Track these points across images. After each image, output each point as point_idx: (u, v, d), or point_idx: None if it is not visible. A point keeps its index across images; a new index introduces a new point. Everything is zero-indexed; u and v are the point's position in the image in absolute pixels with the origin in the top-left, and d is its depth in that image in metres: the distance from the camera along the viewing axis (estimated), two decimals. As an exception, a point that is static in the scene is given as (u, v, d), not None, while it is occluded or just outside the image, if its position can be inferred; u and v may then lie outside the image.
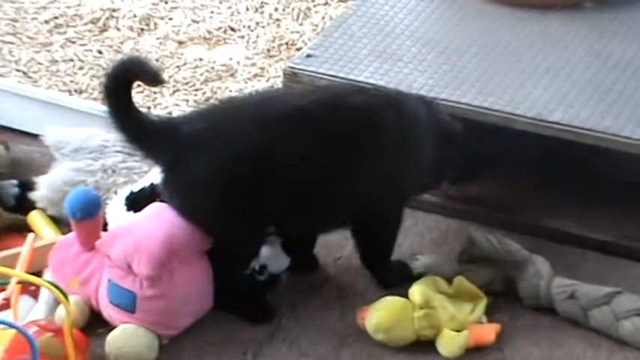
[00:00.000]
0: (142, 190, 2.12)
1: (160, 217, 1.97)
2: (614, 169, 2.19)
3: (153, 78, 1.90)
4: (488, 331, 1.96)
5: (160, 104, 2.45)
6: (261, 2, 2.76)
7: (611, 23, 2.35)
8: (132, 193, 2.12)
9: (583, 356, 1.93)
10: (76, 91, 2.48)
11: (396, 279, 2.04)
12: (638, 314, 1.93)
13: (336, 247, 2.16)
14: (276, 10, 2.73)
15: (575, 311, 1.97)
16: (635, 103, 2.13)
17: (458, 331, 1.95)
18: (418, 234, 2.18)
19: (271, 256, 2.03)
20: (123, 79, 1.87)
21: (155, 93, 2.48)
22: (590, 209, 2.18)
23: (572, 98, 2.15)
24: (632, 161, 2.09)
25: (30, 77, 2.52)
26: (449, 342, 1.94)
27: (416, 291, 1.96)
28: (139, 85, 2.48)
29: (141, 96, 2.47)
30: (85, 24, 2.70)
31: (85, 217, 1.97)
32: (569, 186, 2.22)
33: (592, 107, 2.13)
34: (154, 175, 2.17)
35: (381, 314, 1.95)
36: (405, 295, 1.97)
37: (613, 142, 2.07)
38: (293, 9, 2.72)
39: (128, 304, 1.93)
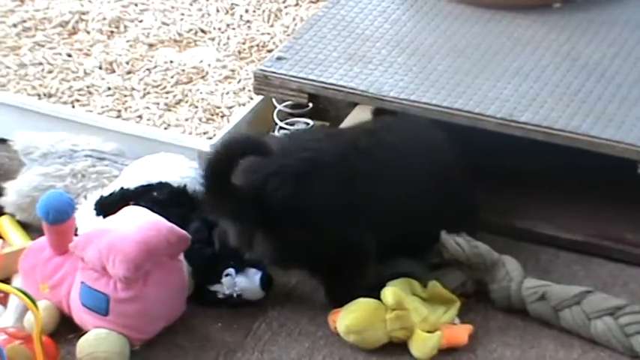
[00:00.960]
0: (111, 194, 2.11)
1: (135, 219, 1.97)
2: (585, 169, 2.20)
3: (265, 153, 1.90)
4: (461, 333, 1.97)
5: (131, 107, 2.44)
6: (232, 4, 2.75)
7: (580, 24, 2.36)
8: (102, 197, 2.11)
9: (555, 356, 1.94)
10: (45, 95, 2.47)
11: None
12: (610, 313, 1.93)
13: (308, 249, 2.16)
14: (246, 11, 2.72)
15: (547, 312, 1.97)
16: (603, 103, 2.14)
17: (430, 332, 1.95)
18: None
19: (248, 288, 2.02)
20: (230, 160, 1.88)
21: (125, 96, 2.47)
22: (561, 209, 2.19)
23: (542, 99, 2.16)
24: (601, 160, 2.10)
25: (-2, 81, 2.51)
26: (421, 343, 1.94)
27: (388, 293, 1.96)
28: (109, 89, 2.49)
29: (111, 99, 2.45)
30: (54, 27, 2.68)
31: (58, 219, 1.96)
32: (540, 186, 2.23)
33: (561, 108, 2.14)
34: (123, 180, 2.16)
35: (353, 316, 1.95)
36: (378, 297, 1.97)
37: (582, 142, 2.08)
38: (264, 10, 2.72)
39: (101, 306, 1.92)
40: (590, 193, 2.21)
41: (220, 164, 1.90)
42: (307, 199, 1.92)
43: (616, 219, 2.16)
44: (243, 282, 2.02)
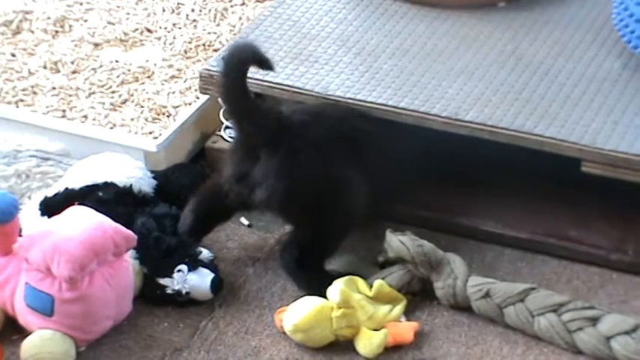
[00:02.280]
0: (56, 194, 2.10)
1: (80, 220, 1.96)
2: (528, 166, 2.22)
3: (266, 65, 2.03)
4: (407, 330, 1.98)
5: (76, 107, 2.42)
6: (178, 3, 2.74)
7: (524, 23, 2.38)
8: (46, 198, 2.10)
9: (499, 353, 1.96)
10: (-12, 95, 2.45)
11: (320, 290, 2.01)
12: (553, 310, 1.95)
13: (254, 248, 2.16)
14: (192, 11, 2.71)
15: (491, 309, 1.99)
16: (547, 102, 2.16)
17: (376, 330, 1.96)
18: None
19: (197, 288, 2.02)
20: (240, 65, 1.98)
21: (70, 96, 2.45)
22: (506, 207, 2.21)
23: (487, 98, 2.18)
24: (545, 158, 2.12)
25: (-59, 81, 2.48)
26: (367, 341, 1.95)
27: (334, 291, 1.96)
28: (54, 88, 2.47)
29: (56, 99, 2.44)
30: (-2, 26, 2.66)
31: (2, 220, 1.95)
32: (485, 184, 2.24)
33: (506, 106, 2.15)
34: (68, 180, 2.15)
35: (300, 314, 1.95)
36: (324, 296, 1.98)
37: (526, 140, 2.10)
38: (210, 10, 2.71)
39: (46, 307, 1.91)
40: (534, 191, 2.23)
41: (236, 66, 1.98)
42: (320, 131, 2.03)
43: (560, 216, 2.18)
44: (193, 280, 2.02)
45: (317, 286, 2.01)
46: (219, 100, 2.33)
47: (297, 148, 1.99)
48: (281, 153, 1.98)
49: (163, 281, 2.02)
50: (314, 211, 2.01)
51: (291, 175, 1.98)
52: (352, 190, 2.04)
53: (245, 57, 1.99)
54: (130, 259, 2.01)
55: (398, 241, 2.03)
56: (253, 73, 2.24)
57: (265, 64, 2.03)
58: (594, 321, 1.93)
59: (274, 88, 2.23)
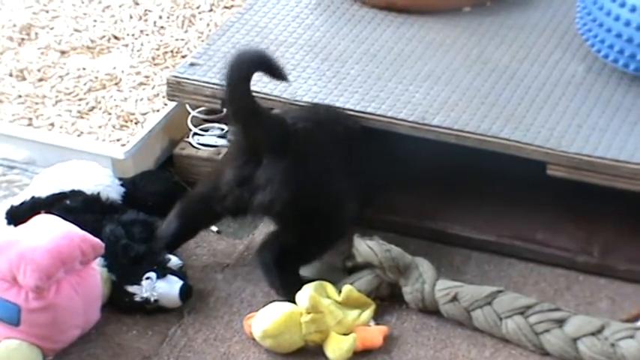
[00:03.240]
0: (22, 203, 2.10)
1: (46, 228, 1.95)
2: (496, 171, 2.23)
3: (279, 76, 2.05)
4: (376, 334, 1.98)
5: (43, 115, 2.41)
6: (145, 10, 2.73)
7: (489, 28, 2.39)
8: (12, 207, 2.09)
9: (467, 356, 1.97)
10: (-46, 103, 2.44)
11: (292, 293, 2.01)
12: (520, 313, 1.97)
13: (223, 255, 2.16)
14: (160, 17, 2.71)
15: (459, 313, 2.00)
16: (512, 106, 2.18)
17: (346, 335, 1.97)
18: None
19: (166, 295, 2.02)
20: (245, 71, 2.00)
21: (37, 104, 2.45)
22: (473, 211, 2.22)
23: (453, 102, 2.19)
24: (511, 161, 2.13)
25: None
26: (336, 346, 1.95)
27: (304, 296, 1.97)
28: (20, 96, 2.46)
29: (22, 107, 2.43)
30: (-37, 34, 2.65)
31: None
32: (453, 188, 2.26)
33: (472, 110, 2.17)
34: (35, 188, 2.14)
35: (269, 320, 1.95)
36: (294, 299, 1.98)
37: (492, 144, 2.11)
38: (177, 16, 2.71)
39: (12, 317, 1.90)
40: (501, 195, 2.24)
41: (242, 73, 1.99)
42: (323, 141, 2.07)
43: (527, 219, 2.20)
44: (162, 288, 2.02)
45: (290, 288, 2.01)
46: (187, 106, 2.34)
47: (304, 155, 2.01)
48: (287, 159, 2.00)
49: (132, 289, 2.02)
50: (310, 218, 2.03)
51: (295, 182, 2.00)
52: (346, 202, 2.06)
53: (251, 62, 2.00)
54: (97, 267, 2.01)
55: (366, 246, 2.04)
56: (221, 79, 2.25)
57: (276, 72, 2.03)
58: (561, 323, 1.95)
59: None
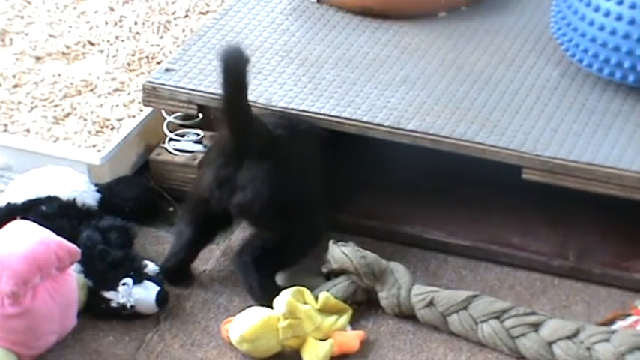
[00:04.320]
0: (-3, 209, 2.09)
1: (22, 234, 1.95)
2: (472, 175, 2.24)
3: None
4: (353, 339, 1.99)
5: (18, 121, 2.41)
6: (120, 16, 2.73)
7: (464, 33, 2.40)
8: (-12, 213, 2.09)
9: (444, 359, 1.97)
10: None
11: (269, 298, 2.02)
12: (496, 317, 1.97)
13: (200, 260, 2.16)
14: (135, 23, 2.71)
15: (435, 317, 2.00)
16: (487, 111, 2.18)
17: (323, 340, 1.97)
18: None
19: (142, 301, 2.02)
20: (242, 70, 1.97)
21: (12, 110, 2.44)
22: (450, 215, 2.22)
23: (429, 107, 2.20)
24: (487, 166, 2.14)
25: None
26: (313, 351, 1.95)
27: (281, 301, 1.97)
28: (-5, 102, 2.46)
29: (-3, 113, 2.43)
30: (-62, 40, 2.64)
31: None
32: (429, 193, 2.26)
33: (447, 115, 2.17)
34: (10, 194, 2.13)
35: (246, 325, 1.95)
36: (270, 304, 1.98)
37: (467, 149, 2.12)
38: (153, 22, 2.71)
39: (-12, 323, 1.90)
40: (477, 199, 2.25)
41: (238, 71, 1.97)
42: (302, 147, 2.09)
43: (503, 223, 2.21)
44: (139, 293, 2.01)
45: (266, 292, 2.02)
46: (163, 112, 2.34)
47: (285, 159, 2.03)
48: (270, 161, 2.01)
49: (108, 294, 2.02)
50: (288, 220, 2.04)
51: (277, 182, 2.01)
52: (322, 207, 2.08)
53: (245, 70, 1.97)
54: (74, 273, 2.00)
55: (341, 253, 2.04)
56: (197, 84, 2.26)
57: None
58: (536, 326, 1.96)
59: (218, 99, 2.22)
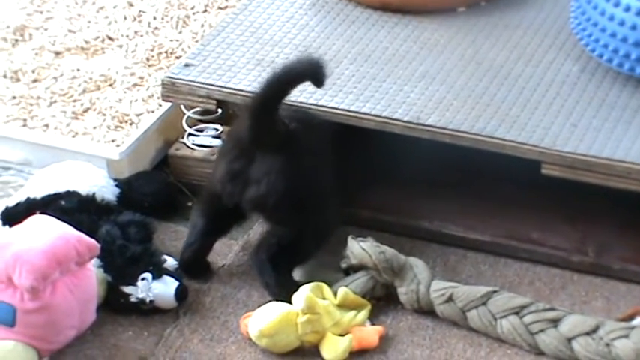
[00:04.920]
0: (17, 204, 2.10)
1: (42, 229, 1.95)
2: (491, 170, 2.24)
3: (321, 83, 2.01)
4: (372, 334, 1.99)
5: (37, 116, 2.41)
6: (139, 11, 2.74)
7: (484, 28, 2.39)
8: (7, 208, 2.09)
9: (463, 355, 1.97)
10: (-51, 104, 2.43)
11: (286, 294, 2.01)
12: (515, 312, 1.97)
13: (219, 255, 2.16)
14: (154, 18, 2.71)
15: (454, 313, 2.00)
16: (506, 106, 2.18)
17: (342, 335, 1.97)
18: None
19: (162, 296, 2.02)
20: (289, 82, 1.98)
21: (31, 105, 2.45)
22: (468, 210, 2.22)
23: (448, 102, 2.19)
24: (507, 161, 2.14)
25: None
26: (332, 346, 1.95)
27: (300, 297, 1.97)
28: (14, 97, 2.46)
29: (17, 108, 2.43)
30: (-42, 36, 2.65)
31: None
32: (447, 188, 2.26)
33: (467, 110, 2.17)
34: (30, 189, 2.14)
35: (265, 320, 1.95)
36: (289, 301, 1.98)
37: (487, 144, 2.11)
38: (172, 17, 2.71)
39: (8, 317, 1.90)
40: (496, 194, 2.25)
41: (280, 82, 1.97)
42: (315, 140, 2.07)
43: (522, 219, 2.20)
44: (158, 288, 2.02)
45: (284, 288, 2.02)
46: (182, 107, 2.34)
47: (301, 152, 2.02)
48: (285, 154, 2.00)
49: (127, 289, 2.02)
50: (302, 214, 2.03)
51: (292, 175, 2.00)
52: (335, 200, 2.07)
53: (305, 73, 1.98)
54: (93, 268, 2.01)
55: (360, 248, 2.04)
56: (216, 79, 2.26)
57: (320, 82, 2.01)
58: (555, 322, 1.95)
59: (236, 94, 2.23)
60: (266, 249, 2.06)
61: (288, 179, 2.00)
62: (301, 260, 2.08)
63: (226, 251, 2.17)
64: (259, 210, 2.06)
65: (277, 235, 2.06)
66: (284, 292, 2.01)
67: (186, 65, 2.30)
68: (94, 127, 2.38)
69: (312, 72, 1.98)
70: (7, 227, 2.05)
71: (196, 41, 2.61)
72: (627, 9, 2.14)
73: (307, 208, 2.04)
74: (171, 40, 2.64)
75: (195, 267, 2.11)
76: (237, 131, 2.06)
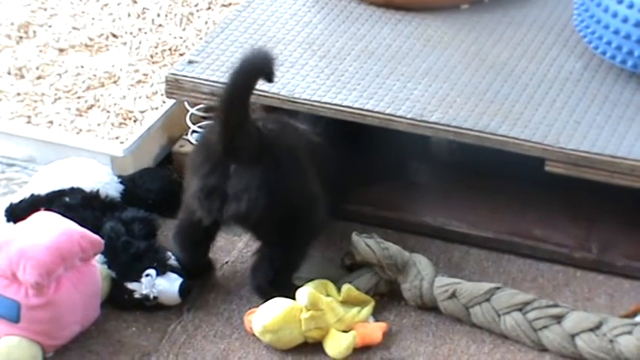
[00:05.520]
0: (21, 201, 2.10)
1: (46, 225, 1.96)
2: (494, 167, 2.24)
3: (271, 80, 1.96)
4: (375, 331, 1.99)
5: (42, 113, 2.42)
6: (143, 8, 2.74)
7: (487, 25, 2.39)
8: (12, 204, 2.10)
9: (467, 352, 1.97)
10: (-47, 101, 2.44)
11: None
12: (518, 309, 1.97)
13: (223, 252, 2.17)
14: (158, 15, 2.72)
15: (458, 309, 2.00)
16: (510, 103, 2.18)
17: (345, 331, 1.97)
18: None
19: (166, 292, 2.03)
20: (255, 77, 1.92)
21: (35, 102, 2.45)
22: (472, 207, 2.22)
23: (451, 99, 2.19)
24: (510, 158, 2.14)
25: None
26: (336, 343, 1.96)
27: (303, 293, 1.97)
28: (19, 94, 2.47)
29: (21, 105, 2.43)
30: (-38, 32, 2.65)
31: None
32: (451, 184, 2.26)
33: (470, 107, 2.17)
34: (34, 186, 2.14)
35: (269, 316, 1.96)
36: (293, 298, 1.98)
37: (490, 141, 2.11)
38: (175, 14, 2.71)
39: (12, 313, 1.91)
40: (500, 191, 2.25)
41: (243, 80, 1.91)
42: (292, 141, 2.02)
43: (525, 216, 2.20)
44: (162, 285, 2.02)
45: (289, 294, 1.99)
46: (186, 104, 2.34)
47: (278, 160, 1.95)
48: (263, 165, 1.92)
49: (131, 286, 2.03)
50: (287, 225, 1.99)
51: (274, 188, 1.93)
52: (319, 203, 2.04)
53: (261, 68, 1.92)
54: (97, 264, 2.01)
55: (364, 245, 2.04)
56: (219, 76, 2.26)
57: (271, 78, 1.95)
58: (559, 319, 1.95)
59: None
60: (262, 272, 2.02)
61: (270, 193, 1.92)
62: (295, 270, 2.05)
63: (230, 248, 2.17)
64: (241, 226, 2.02)
65: (268, 256, 2.02)
66: (289, 296, 1.99)
67: (190, 62, 2.30)
68: (98, 124, 2.39)
69: (265, 68, 1.92)
70: (11, 223, 2.05)
71: (200, 38, 2.61)
72: (631, 6, 2.14)
73: (294, 219, 1.98)
74: (175, 38, 2.64)
75: (196, 271, 2.10)
76: (207, 142, 1.97)
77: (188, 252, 2.07)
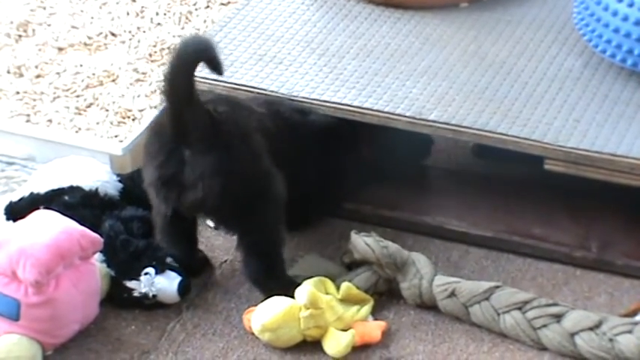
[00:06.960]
0: (21, 199, 2.10)
1: (45, 223, 1.96)
2: (493, 166, 2.24)
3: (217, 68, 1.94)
4: (374, 329, 1.99)
5: (41, 111, 2.42)
6: (142, 7, 2.74)
7: (487, 23, 2.39)
8: (11, 202, 2.10)
9: (466, 350, 1.97)
10: (-48, 99, 2.44)
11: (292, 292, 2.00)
12: (518, 308, 1.97)
13: (222, 250, 2.17)
14: (157, 14, 2.71)
15: (457, 308, 2.00)
16: (509, 101, 2.18)
17: (344, 330, 1.97)
18: (303, 234, 2.19)
19: (165, 290, 2.02)
20: (194, 57, 1.91)
21: (35, 100, 2.45)
22: (471, 206, 2.22)
23: (450, 97, 2.19)
24: (508, 157, 2.14)
25: None
26: (335, 341, 1.96)
27: (302, 292, 1.97)
28: (18, 92, 2.47)
29: (20, 104, 2.43)
30: (-39, 31, 2.65)
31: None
32: (450, 183, 2.26)
33: (469, 105, 2.17)
34: (33, 184, 2.14)
35: (268, 314, 1.96)
36: (292, 296, 1.98)
37: (489, 139, 2.11)
38: (174, 13, 2.71)
39: (12, 311, 1.91)
40: (499, 190, 2.25)
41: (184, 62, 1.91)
42: (243, 122, 2.00)
43: (524, 214, 2.20)
44: (161, 283, 2.02)
45: (288, 290, 2.00)
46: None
47: (229, 143, 1.94)
48: (216, 150, 1.92)
49: (130, 284, 2.03)
50: (247, 207, 1.97)
51: (228, 172, 1.93)
52: (275, 179, 2.01)
53: (200, 50, 1.91)
54: (96, 263, 2.01)
55: (363, 243, 2.04)
56: (219, 76, 2.26)
57: (216, 65, 1.94)
58: (558, 318, 1.95)
59: (239, 89, 2.24)
60: (253, 262, 2.02)
61: (225, 178, 1.92)
62: (278, 247, 2.03)
63: (229, 246, 2.17)
64: (201, 212, 2.02)
65: (249, 248, 2.01)
66: (290, 292, 1.99)
67: (189, 61, 2.29)
68: (97, 123, 2.39)
69: (203, 53, 1.91)
70: (10, 222, 2.05)
71: (199, 37, 2.61)
72: (631, 4, 2.14)
73: (252, 199, 1.97)
74: (173, 36, 2.64)
75: (194, 267, 2.09)
76: (160, 130, 1.97)
77: (175, 246, 2.07)
